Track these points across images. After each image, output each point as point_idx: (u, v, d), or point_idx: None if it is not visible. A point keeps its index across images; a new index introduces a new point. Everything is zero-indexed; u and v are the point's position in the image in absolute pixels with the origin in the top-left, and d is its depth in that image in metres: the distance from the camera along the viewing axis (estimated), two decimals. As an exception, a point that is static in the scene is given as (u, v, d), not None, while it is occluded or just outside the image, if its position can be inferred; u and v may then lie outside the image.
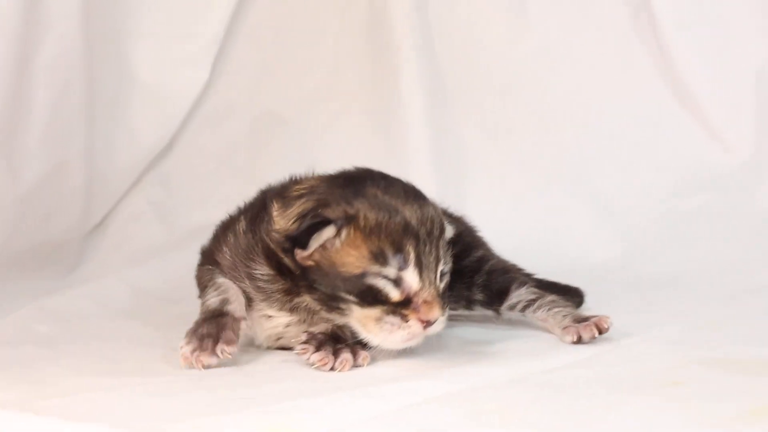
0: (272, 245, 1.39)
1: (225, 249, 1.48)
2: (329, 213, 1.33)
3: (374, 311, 1.32)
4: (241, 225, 1.48)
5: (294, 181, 1.51)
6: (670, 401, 1.17)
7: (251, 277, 1.43)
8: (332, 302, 1.35)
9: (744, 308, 1.74)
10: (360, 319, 1.34)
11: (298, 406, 1.17)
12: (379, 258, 1.32)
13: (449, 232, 1.44)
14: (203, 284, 1.51)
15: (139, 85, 2.29)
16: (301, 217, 1.36)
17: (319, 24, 2.44)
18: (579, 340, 1.48)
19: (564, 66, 2.34)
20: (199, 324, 1.41)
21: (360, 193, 1.35)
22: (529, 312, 1.61)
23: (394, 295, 1.32)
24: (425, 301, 1.32)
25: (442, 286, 1.37)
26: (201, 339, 1.37)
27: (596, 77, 2.33)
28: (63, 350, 1.55)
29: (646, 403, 1.17)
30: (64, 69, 2.02)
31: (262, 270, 1.42)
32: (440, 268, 1.37)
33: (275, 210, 1.41)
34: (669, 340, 1.50)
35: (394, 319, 1.31)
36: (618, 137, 2.29)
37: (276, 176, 2.31)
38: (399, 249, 1.32)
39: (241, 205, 1.63)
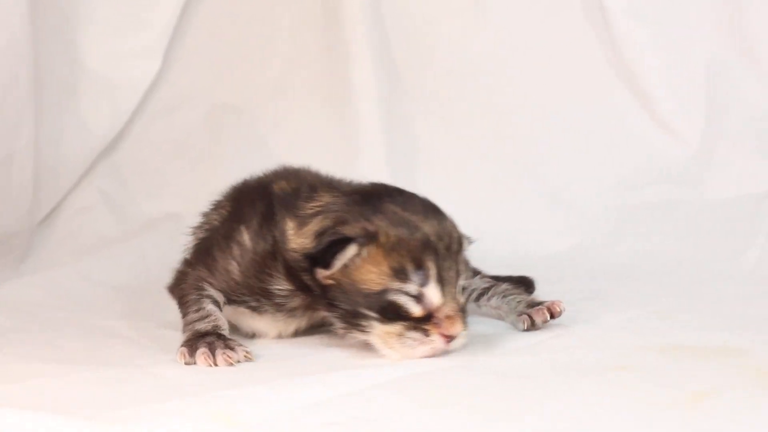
0: (291, 263, 1.38)
1: (231, 262, 1.44)
2: (348, 230, 1.32)
3: (396, 327, 1.30)
4: (245, 237, 1.44)
5: (292, 187, 1.49)
6: (615, 385, 1.18)
7: (266, 293, 1.42)
8: (353, 319, 1.33)
9: (693, 297, 1.76)
10: (381, 336, 1.31)
11: (241, 394, 1.16)
12: (400, 274, 1.30)
13: (467, 245, 1.43)
14: (187, 302, 1.46)
15: (90, 74, 2.26)
16: (319, 235, 1.35)
17: (274, 15, 2.43)
18: (532, 326, 1.48)
19: (518, 58, 2.35)
20: (194, 340, 1.36)
21: (379, 210, 1.34)
22: (483, 301, 1.62)
23: (416, 311, 1.31)
24: (447, 316, 1.31)
25: (462, 300, 1.36)
26: (210, 346, 1.34)
27: (550, 70, 2.34)
28: (11, 339, 1.54)
29: (590, 387, 1.18)
30: (11, 59, 1.99)
31: (281, 285, 1.41)
32: (460, 282, 1.36)
33: (290, 228, 1.39)
34: (618, 327, 1.51)
35: (416, 335, 1.30)
36: (571, 129, 2.30)
37: (230, 167, 2.32)
38: (420, 265, 1.31)
39: (218, 207, 1.61)
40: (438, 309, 1.31)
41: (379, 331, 1.31)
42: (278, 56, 2.43)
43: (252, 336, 1.52)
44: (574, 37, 2.33)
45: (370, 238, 1.31)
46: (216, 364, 1.30)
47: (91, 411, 1.10)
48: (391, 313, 1.31)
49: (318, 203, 1.41)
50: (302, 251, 1.36)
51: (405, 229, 1.32)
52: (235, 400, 1.14)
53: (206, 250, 1.50)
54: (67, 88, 2.24)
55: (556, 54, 2.34)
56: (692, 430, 1.03)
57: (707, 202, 2.15)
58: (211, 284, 1.46)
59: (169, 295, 1.55)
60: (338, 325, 1.36)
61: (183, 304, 1.47)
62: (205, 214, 1.66)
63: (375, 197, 1.38)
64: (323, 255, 1.31)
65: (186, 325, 1.42)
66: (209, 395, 1.16)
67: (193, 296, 1.45)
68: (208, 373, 1.28)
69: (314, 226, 1.37)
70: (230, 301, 1.46)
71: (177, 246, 2.22)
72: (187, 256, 1.57)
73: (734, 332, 1.45)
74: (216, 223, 1.57)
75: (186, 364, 1.32)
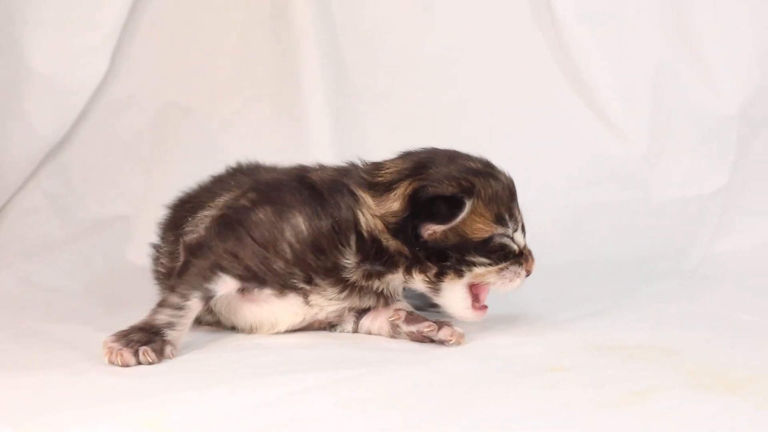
0: (375, 231, 1.45)
1: (281, 244, 1.45)
2: (444, 189, 1.43)
3: (503, 264, 1.47)
4: (299, 219, 1.46)
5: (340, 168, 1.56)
6: (552, 386, 1.19)
7: (328, 270, 1.46)
8: (457, 265, 1.45)
9: (637, 296, 1.79)
10: (476, 277, 1.46)
11: (175, 399, 1.15)
12: (501, 221, 1.47)
13: None
14: (185, 285, 1.44)
15: (36, 75, 2.24)
16: (412, 196, 1.44)
17: (223, 15, 2.41)
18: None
19: (467, 59, 2.35)
20: (132, 330, 1.39)
21: (466, 168, 1.48)
22: None
23: (515, 249, 1.49)
24: (530, 253, 1.52)
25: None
26: (128, 342, 1.36)
27: (499, 71, 2.34)
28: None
29: (527, 388, 1.19)
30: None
31: (349, 258, 1.47)
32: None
33: (370, 197, 1.47)
34: (560, 327, 1.53)
35: (518, 269, 1.49)
36: (520, 130, 2.31)
37: (179, 168, 2.31)
38: (510, 212, 1.49)
39: (224, 189, 1.60)
40: (524, 247, 1.52)
41: (478, 272, 1.46)
42: (227, 56, 2.41)
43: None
44: (522, 39, 2.33)
45: (470, 193, 1.44)
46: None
47: (17, 417, 1.08)
48: (500, 254, 1.47)
49: (388, 170, 1.50)
50: (401, 213, 1.45)
51: (494, 182, 1.48)
52: (166, 406, 1.13)
53: (233, 235, 1.48)
54: (12, 89, 2.22)
55: (505, 55, 2.34)
56: (623, 430, 1.04)
57: (653, 202, 2.17)
58: (227, 270, 1.45)
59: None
60: (426, 276, 1.46)
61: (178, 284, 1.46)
62: (206, 194, 1.64)
63: (451, 157, 1.51)
64: (445, 211, 1.43)
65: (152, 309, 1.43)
66: (141, 401, 1.15)
67: (196, 280, 1.45)
68: (141, 378, 1.26)
69: (402, 190, 1.46)
70: (258, 283, 1.47)
71: (123, 248, 2.24)
72: (201, 236, 1.51)
73: (672, 332, 1.48)
74: (231, 205, 1.54)
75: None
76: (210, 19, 2.41)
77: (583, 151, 2.26)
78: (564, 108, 2.29)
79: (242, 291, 1.48)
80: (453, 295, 1.47)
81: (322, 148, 2.32)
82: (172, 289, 1.45)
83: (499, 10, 2.35)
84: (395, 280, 1.49)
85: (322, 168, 1.59)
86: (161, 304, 1.43)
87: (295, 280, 1.46)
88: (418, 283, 1.47)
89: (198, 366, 1.33)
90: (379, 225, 1.46)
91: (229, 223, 1.49)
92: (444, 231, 1.44)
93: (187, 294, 1.43)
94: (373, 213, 1.46)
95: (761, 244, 1.90)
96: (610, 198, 2.20)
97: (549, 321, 1.58)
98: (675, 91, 2.23)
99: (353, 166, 1.55)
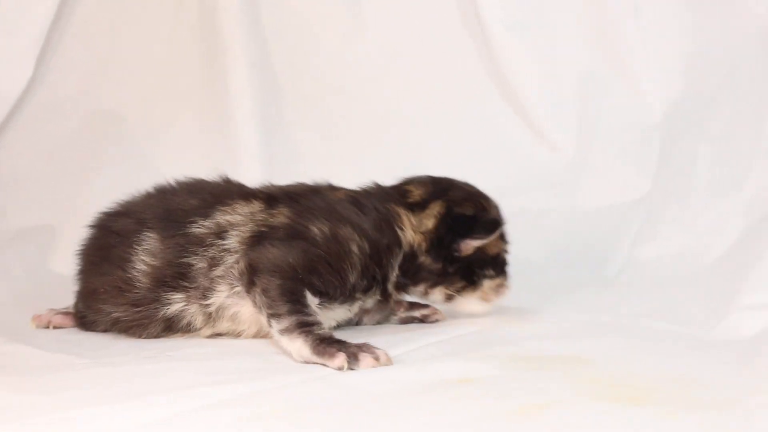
0: (416, 247, 1.61)
1: (354, 259, 1.53)
2: (465, 209, 1.64)
3: (501, 279, 1.68)
4: (360, 238, 1.55)
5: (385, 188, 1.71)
6: (456, 400, 1.18)
7: (378, 281, 1.58)
8: (474, 278, 1.64)
9: (555, 305, 1.80)
10: (485, 289, 1.66)
11: (77, 415, 1.13)
12: (504, 238, 1.70)
13: None
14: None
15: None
16: (444, 216, 1.63)
17: (152, 22, 2.40)
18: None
19: (397, 66, 2.36)
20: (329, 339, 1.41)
21: (476, 191, 1.71)
22: None
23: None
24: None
25: None
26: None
27: (428, 78, 2.36)
28: None
29: (433, 402, 1.18)
30: None
31: (396, 271, 1.61)
32: None
33: (409, 217, 1.62)
34: (473, 336, 1.54)
35: (509, 282, 1.69)
36: (449, 137, 2.33)
37: (107, 178, 2.29)
38: (504, 234, 1.71)
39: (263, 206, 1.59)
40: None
41: (485, 286, 1.65)
42: (155, 63, 2.40)
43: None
44: (452, 47, 2.35)
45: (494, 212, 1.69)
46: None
47: None
48: (502, 266, 1.69)
49: (415, 193, 1.67)
50: (434, 231, 1.62)
51: (495, 205, 1.71)
52: (68, 421, 1.11)
53: (307, 257, 1.50)
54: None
55: (434, 62, 2.36)
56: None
57: (578, 210, 2.19)
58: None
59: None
60: (448, 290, 1.63)
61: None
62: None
63: (458, 183, 1.72)
64: (489, 228, 1.63)
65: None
66: (43, 417, 1.13)
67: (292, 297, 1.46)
68: (46, 395, 1.24)
69: (433, 210, 1.63)
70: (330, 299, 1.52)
71: (47, 259, 2.21)
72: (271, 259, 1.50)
73: (585, 341, 1.49)
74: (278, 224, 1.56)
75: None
76: (138, 25, 2.40)
77: (511, 159, 2.28)
78: (492, 116, 2.31)
79: None
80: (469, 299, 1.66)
81: (251, 156, 2.31)
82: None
83: (428, 17, 2.37)
84: (415, 292, 1.65)
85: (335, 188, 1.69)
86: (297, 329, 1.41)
87: (358, 293, 1.56)
88: (437, 295, 1.64)
89: (107, 381, 1.31)
90: (421, 241, 1.60)
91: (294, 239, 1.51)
92: (476, 247, 1.61)
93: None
94: (416, 230, 1.60)
95: (678, 252, 1.93)
96: (538, 206, 2.22)
97: (463, 330, 1.58)
98: (601, 100, 2.27)
99: (376, 186, 1.70)
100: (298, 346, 1.38)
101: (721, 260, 1.82)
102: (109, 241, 1.61)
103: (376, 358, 1.34)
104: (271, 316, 1.43)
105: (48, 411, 1.15)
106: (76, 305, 1.68)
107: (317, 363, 1.35)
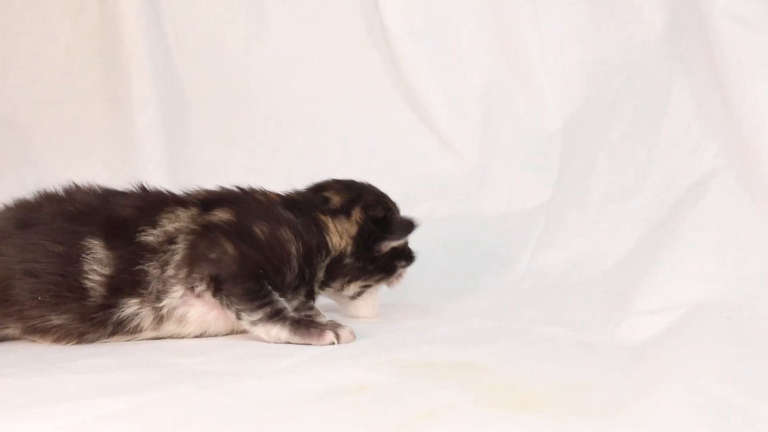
0: (343, 250, 1.72)
1: (292, 260, 1.61)
2: (378, 211, 1.77)
3: (409, 266, 1.84)
4: (296, 239, 1.63)
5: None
6: (350, 408, 1.17)
7: (306, 281, 1.66)
8: (389, 269, 1.79)
9: (457, 310, 1.81)
10: (396, 276, 1.82)
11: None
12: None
13: None
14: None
15: None
16: (365, 221, 1.74)
17: (50, 28, 2.34)
18: None
19: (301, 74, 2.35)
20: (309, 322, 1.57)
21: (381, 193, 1.83)
22: None
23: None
24: None
25: None
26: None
27: (333, 86, 2.36)
28: None
29: (326, 411, 1.16)
30: None
31: (322, 273, 1.71)
32: None
33: (335, 223, 1.73)
34: (373, 343, 1.53)
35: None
36: (353, 145, 2.32)
37: (2, 184, 2.22)
38: None
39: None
40: None
41: (397, 274, 1.82)
42: (54, 68, 2.34)
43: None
44: (356, 54, 2.35)
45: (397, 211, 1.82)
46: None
47: None
48: (409, 256, 1.85)
49: (335, 199, 1.76)
50: (358, 235, 1.73)
51: (395, 203, 1.83)
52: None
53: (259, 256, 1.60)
54: None
55: (338, 70, 2.36)
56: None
57: (481, 217, 2.21)
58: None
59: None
60: (364, 283, 1.77)
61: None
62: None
63: (366, 186, 1.83)
64: (403, 230, 1.76)
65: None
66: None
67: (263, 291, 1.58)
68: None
69: (356, 217, 1.74)
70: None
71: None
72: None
73: (482, 347, 1.49)
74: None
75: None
76: (35, 31, 2.34)
77: (416, 166, 2.29)
78: (398, 124, 2.32)
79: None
80: (371, 297, 1.79)
81: (153, 162, 2.27)
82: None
83: (333, 25, 2.37)
84: (332, 288, 1.76)
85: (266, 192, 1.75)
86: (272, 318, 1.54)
87: (289, 293, 1.62)
88: (353, 289, 1.77)
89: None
90: (347, 245, 1.72)
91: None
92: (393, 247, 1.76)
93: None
94: (342, 235, 1.72)
95: (577, 258, 1.95)
96: (441, 212, 2.23)
97: (361, 338, 1.57)
98: (503, 108, 2.29)
99: (297, 192, 1.78)
100: (275, 332, 1.53)
101: (618, 266, 1.85)
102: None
103: (351, 333, 1.53)
104: (240, 311, 1.55)
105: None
106: None
107: (299, 344, 1.51)
